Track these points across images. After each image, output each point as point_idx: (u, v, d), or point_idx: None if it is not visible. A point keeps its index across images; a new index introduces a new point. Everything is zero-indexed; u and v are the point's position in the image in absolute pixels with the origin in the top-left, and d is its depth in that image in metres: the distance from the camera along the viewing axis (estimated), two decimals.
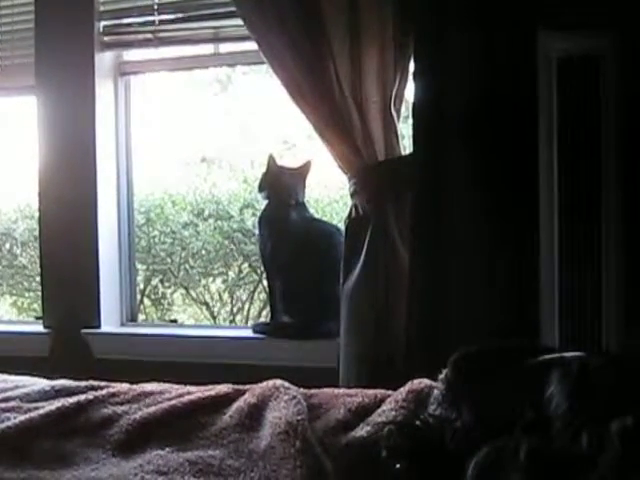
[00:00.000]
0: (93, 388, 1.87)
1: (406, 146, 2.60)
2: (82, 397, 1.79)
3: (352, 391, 1.77)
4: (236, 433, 1.62)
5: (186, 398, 1.76)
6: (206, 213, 3.28)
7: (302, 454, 1.46)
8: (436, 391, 1.40)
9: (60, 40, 3.04)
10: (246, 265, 3.29)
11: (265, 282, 3.00)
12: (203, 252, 3.27)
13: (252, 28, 2.62)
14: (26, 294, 3.63)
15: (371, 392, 1.71)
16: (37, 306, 3.43)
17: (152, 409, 1.72)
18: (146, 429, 1.66)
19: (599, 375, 1.20)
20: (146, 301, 3.41)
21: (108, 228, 3.08)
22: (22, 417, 1.71)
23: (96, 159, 3.03)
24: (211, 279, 3.38)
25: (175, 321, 3.31)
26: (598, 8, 2.17)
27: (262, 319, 3.24)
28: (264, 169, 2.85)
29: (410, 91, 2.53)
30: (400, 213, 2.52)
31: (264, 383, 1.78)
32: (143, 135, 3.22)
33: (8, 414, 1.74)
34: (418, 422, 1.36)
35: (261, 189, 2.86)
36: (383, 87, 2.52)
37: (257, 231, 2.92)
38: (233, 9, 2.71)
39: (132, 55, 3.15)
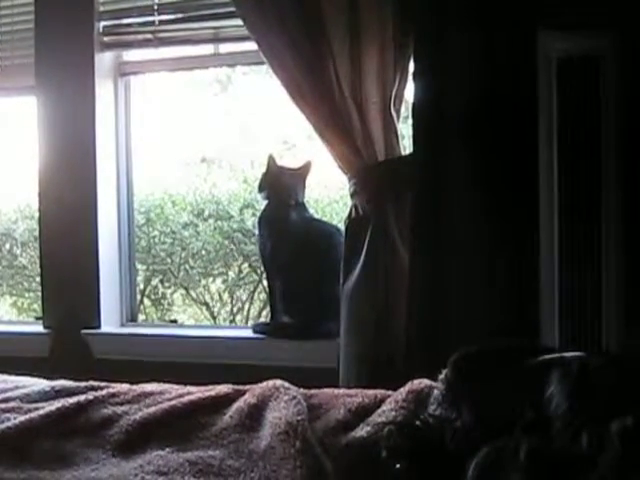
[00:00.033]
0: (93, 388, 1.87)
1: (406, 146, 2.60)
2: (82, 397, 1.79)
3: (352, 391, 1.78)
4: (236, 433, 1.62)
5: (186, 398, 1.76)
6: (206, 213, 3.28)
7: (302, 454, 1.46)
8: (436, 391, 1.40)
9: (60, 40, 3.04)
10: (246, 265, 3.29)
11: (265, 282, 3.00)
12: (203, 252, 3.27)
13: (252, 28, 2.62)
14: (26, 294, 3.63)
15: (371, 392, 1.71)
16: (37, 306, 3.43)
17: (152, 409, 1.72)
18: (146, 429, 1.66)
19: (599, 375, 1.20)
20: (146, 301, 3.41)
21: (108, 228, 3.08)
22: (22, 417, 1.71)
23: (96, 159, 3.03)
24: (211, 279, 3.38)
25: (175, 321, 3.31)
26: (598, 8, 2.17)
27: (262, 319, 3.24)
28: (264, 169, 2.85)
29: (410, 91, 2.53)
30: (400, 213, 2.52)
31: (264, 383, 1.78)
32: (143, 135, 3.22)
33: (8, 414, 1.74)
34: (418, 422, 1.36)
35: (261, 189, 2.86)
36: (383, 87, 2.52)
37: (257, 231, 2.92)
38: (233, 9, 2.71)
39: (132, 55, 3.15)
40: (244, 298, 3.35)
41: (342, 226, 2.67)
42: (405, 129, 2.65)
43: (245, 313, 3.35)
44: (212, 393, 1.78)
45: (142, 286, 3.36)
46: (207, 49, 3.08)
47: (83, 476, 1.51)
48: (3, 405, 1.80)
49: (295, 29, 2.53)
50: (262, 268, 3.03)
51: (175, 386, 1.88)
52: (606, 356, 1.49)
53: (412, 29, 2.47)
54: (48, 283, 3.12)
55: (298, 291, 2.75)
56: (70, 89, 3.05)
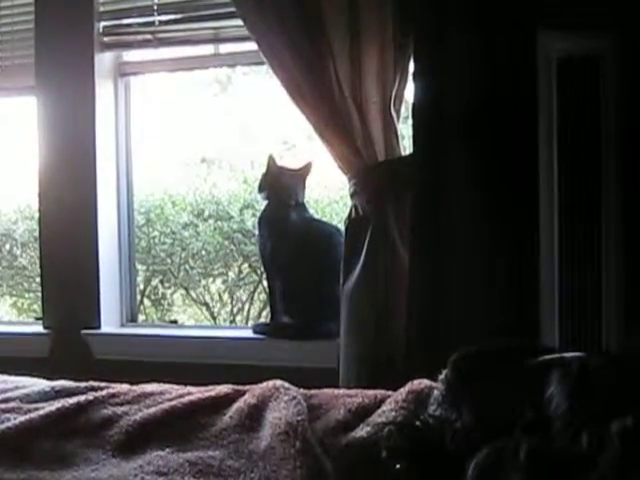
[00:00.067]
0: (93, 389, 1.87)
1: (406, 146, 2.60)
2: (82, 398, 1.79)
3: (352, 392, 1.77)
4: (236, 434, 1.62)
5: (186, 399, 1.76)
6: (206, 213, 3.28)
7: (302, 455, 1.46)
8: (436, 391, 1.40)
9: (60, 41, 3.04)
10: (246, 265, 3.29)
11: (265, 282, 3.00)
12: (203, 252, 3.27)
13: (252, 28, 2.62)
14: (26, 295, 3.63)
15: (371, 393, 1.71)
16: (37, 307, 3.43)
17: (152, 410, 1.72)
18: (146, 430, 1.66)
19: (599, 375, 1.20)
20: (146, 302, 3.41)
21: (108, 229, 3.08)
22: (22, 418, 1.71)
23: (96, 160, 3.03)
24: (211, 279, 3.38)
25: (175, 322, 3.31)
26: (598, 8, 2.17)
27: (262, 319, 3.24)
28: (264, 170, 2.85)
29: (410, 91, 2.53)
30: (400, 213, 2.52)
31: (264, 384, 1.78)
32: (143, 136, 3.22)
33: (8, 415, 1.74)
34: (418, 423, 1.36)
35: (261, 189, 2.86)
36: (383, 87, 2.52)
37: (257, 231, 2.92)
38: (233, 9, 2.71)
39: (132, 56, 3.16)
40: (244, 298, 3.35)
41: (342, 226, 2.67)
42: (405, 129, 2.65)
43: (245, 313, 3.35)
44: (212, 393, 1.78)
45: (142, 286, 3.36)
46: (207, 49, 3.08)
47: (83, 476, 1.51)
48: (3, 405, 1.80)
49: (295, 29, 2.53)
50: (262, 268, 3.03)
51: (175, 386, 1.88)
52: (606, 356, 1.49)
53: (412, 29, 2.47)
54: (48, 283, 3.12)
55: (298, 291, 2.75)
56: (70, 89, 3.05)
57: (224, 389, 1.80)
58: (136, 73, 3.18)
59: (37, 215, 3.17)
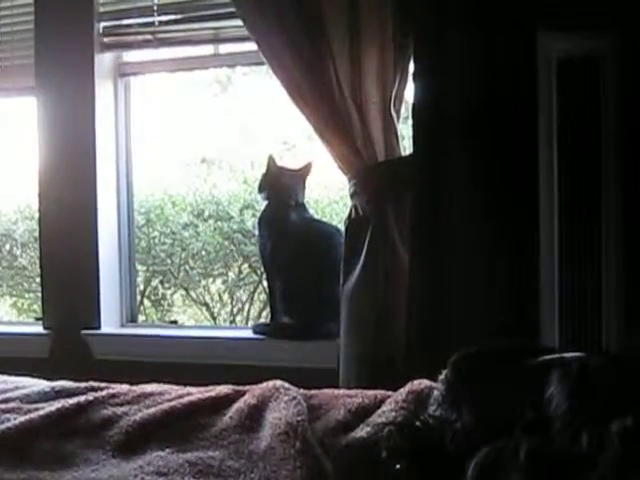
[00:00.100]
0: (93, 389, 1.87)
1: (406, 147, 2.60)
2: (82, 398, 1.78)
3: (352, 392, 1.77)
4: (236, 434, 1.62)
5: (186, 399, 1.76)
6: (206, 214, 3.28)
7: (302, 455, 1.46)
8: (436, 392, 1.40)
9: (60, 41, 3.04)
10: (246, 266, 3.29)
11: (265, 283, 3.00)
12: (203, 253, 3.27)
13: (252, 28, 2.62)
14: (26, 295, 3.63)
15: (371, 393, 1.71)
16: (37, 307, 3.43)
17: (152, 410, 1.72)
18: (146, 430, 1.66)
19: (599, 375, 1.20)
20: (146, 302, 3.41)
21: (108, 229, 3.08)
22: (22, 418, 1.71)
23: (96, 160, 3.03)
24: (211, 280, 3.38)
25: (175, 322, 3.31)
26: (598, 9, 2.17)
27: (262, 320, 3.24)
28: (264, 170, 2.85)
29: (410, 92, 2.53)
30: (400, 214, 2.52)
31: (264, 384, 1.78)
32: (143, 136, 3.22)
33: (8, 415, 1.74)
34: (418, 423, 1.36)
35: (261, 190, 2.86)
36: (383, 88, 2.52)
37: (257, 232, 2.92)
38: (233, 10, 2.71)
39: (132, 56, 3.16)
40: (244, 299, 3.35)
41: (342, 226, 2.67)
42: (405, 130, 2.65)
43: (245, 314, 3.35)
44: (212, 394, 1.78)
45: (142, 287, 3.36)
46: (207, 50, 3.08)
47: (83, 477, 1.51)
48: (3, 406, 1.80)
49: (295, 29, 2.53)
50: (262, 269, 3.03)
51: (175, 387, 1.88)
52: (606, 356, 1.50)
53: (412, 29, 2.47)
54: (48, 284, 3.12)
55: (298, 291, 2.75)
56: (70, 90, 3.05)
57: (224, 389, 1.80)
58: (136, 73, 3.18)
59: (37, 215, 3.17)
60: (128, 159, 3.16)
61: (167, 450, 1.58)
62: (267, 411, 1.65)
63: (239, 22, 2.70)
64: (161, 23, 2.99)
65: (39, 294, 3.23)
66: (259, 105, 3.27)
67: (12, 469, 1.52)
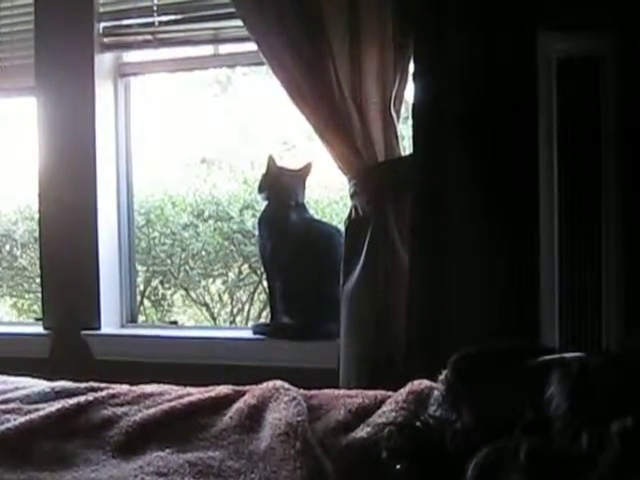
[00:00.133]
0: (93, 389, 1.87)
1: (406, 147, 2.60)
2: (82, 398, 1.79)
3: (352, 392, 1.77)
4: (236, 434, 1.62)
5: (186, 399, 1.76)
6: (206, 214, 3.28)
7: (302, 455, 1.46)
8: (436, 392, 1.40)
9: (60, 41, 3.04)
10: (246, 266, 3.29)
11: (265, 283, 3.00)
12: (203, 253, 3.27)
13: (252, 29, 2.62)
14: (26, 295, 3.63)
15: (371, 393, 1.71)
16: (37, 307, 3.43)
17: (152, 410, 1.72)
18: (146, 430, 1.66)
19: (599, 375, 1.20)
20: (146, 302, 3.41)
21: (108, 229, 3.08)
22: (22, 418, 1.71)
23: (96, 160, 3.03)
24: (211, 280, 3.38)
25: (175, 322, 3.31)
26: (598, 9, 2.17)
27: (262, 320, 3.24)
28: (264, 170, 2.85)
29: (410, 92, 2.53)
30: (400, 214, 2.52)
31: (264, 384, 1.78)
32: (143, 136, 3.22)
33: (8, 415, 1.74)
34: (418, 423, 1.36)
35: (261, 190, 2.86)
36: (383, 88, 2.52)
37: (257, 232, 2.92)
38: (233, 10, 2.71)
39: (132, 56, 3.16)
40: (244, 299, 3.35)
41: (342, 227, 2.67)
42: (405, 130, 2.64)
43: (245, 314, 3.35)
44: (212, 394, 1.78)
45: (142, 287, 3.36)
46: (207, 50, 3.08)
47: (83, 477, 1.51)
48: (3, 406, 1.80)
49: (295, 29, 2.53)
50: (262, 269, 3.03)
51: (175, 387, 1.88)
52: (606, 356, 1.49)
53: (412, 29, 2.47)
54: (48, 284, 3.12)
55: (298, 292, 2.75)
56: (70, 90, 3.05)
57: (224, 390, 1.80)
58: (136, 74, 3.18)
59: (37, 216, 3.17)
60: (128, 159, 3.16)
61: (167, 450, 1.58)
62: (267, 411, 1.65)
63: (239, 22, 2.70)
64: (161, 23, 2.99)
65: (39, 294, 3.23)
66: (259, 105, 3.27)
67: (12, 469, 1.52)
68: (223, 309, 3.40)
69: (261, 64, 2.70)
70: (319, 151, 2.67)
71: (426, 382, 1.64)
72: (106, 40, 3.05)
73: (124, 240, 3.15)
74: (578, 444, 1.08)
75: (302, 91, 2.56)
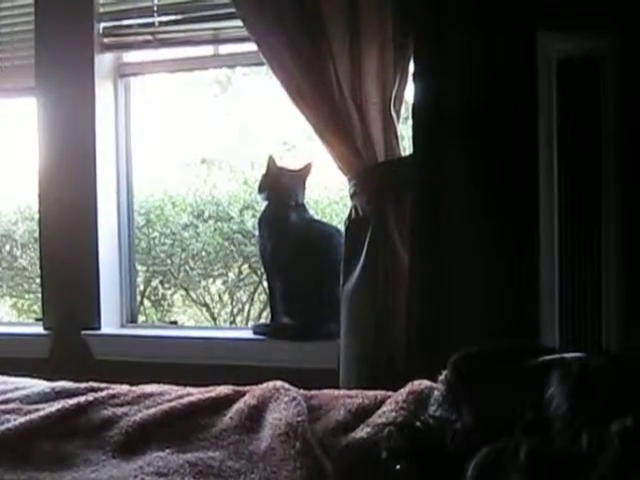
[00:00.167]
0: (93, 390, 1.87)
1: (406, 147, 2.60)
2: (82, 399, 1.78)
3: (352, 392, 1.77)
4: (236, 434, 1.62)
5: (186, 400, 1.76)
6: (206, 214, 3.28)
7: (302, 455, 1.46)
8: (436, 392, 1.40)
9: (60, 41, 3.04)
10: (246, 266, 3.29)
11: (265, 283, 3.00)
12: (203, 253, 3.27)
13: (252, 29, 2.62)
14: (26, 296, 3.63)
15: (371, 393, 1.71)
16: (37, 308, 3.43)
17: (152, 411, 1.72)
18: (146, 431, 1.66)
19: (599, 375, 1.20)
20: (146, 302, 3.41)
21: (108, 229, 3.08)
22: (22, 419, 1.71)
23: (96, 160, 3.03)
24: (211, 280, 3.38)
25: (175, 322, 3.31)
26: (598, 9, 2.17)
27: (262, 320, 3.24)
28: (264, 170, 2.85)
29: (410, 92, 2.53)
30: (400, 214, 2.52)
31: (264, 384, 1.78)
32: (143, 136, 3.22)
33: (8, 416, 1.74)
34: (418, 423, 1.36)
35: (261, 190, 2.86)
36: (383, 88, 2.52)
37: (257, 232, 2.92)
38: (233, 10, 2.71)
39: (132, 56, 3.16)
40: (244, 299, 3.35)
41: (342, 227, 2.67)
42: (405, 130, 2.64)
43: (245, 314, 3.35)
44: (212, 394, 1.78)
45: (142, 287, 3.36)
46: (207, 50, 3.08)
47: (83, 477, 1.51)
48: (3, 406, 1.80)
49: (295, 29, 2.53)
50: (262, 269, 3.03)
51: (175, 387, 1.88)
52: (606, 356, 1.49)
53: (412, 29, 2.46)
54: (48, 284, 3.12)
55: (298, 292, 2.75)
56: (70, 90, 3.05)
57: (224, 390, 1.80)
58: (136, 74, 3.18)
59: (37, 216, 3.17)
60: (128, 160, 3.16)
61: (167, 450, 1.58)
62: (267, 412, 1.65)
63: (239, 23, 2.70)
64: (161, 24, 2.99)
65: (39, 295, 3.23)
66: (259, 105, 3.27)
67: (12, 470, 1.52)
68: (223, 309, 3.40)
69: (261, 64, 2.70)
70: (319, 151, 2.67)
71: (426, 382, 1.64)
72: (106, 40, 3.05)
73: (124, 240, 3.15)
74: (578, 444, 1.08)
75: (302, 91, 2.56)
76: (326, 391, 1.78)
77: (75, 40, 3.04)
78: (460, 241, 2.43)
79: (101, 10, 3.05)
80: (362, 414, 1.62)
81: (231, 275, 3.33)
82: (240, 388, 1.81)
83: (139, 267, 3.30)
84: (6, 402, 1.83)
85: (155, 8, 2.99)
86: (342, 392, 1.80)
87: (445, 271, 2.44)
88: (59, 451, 1.62)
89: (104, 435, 1.66)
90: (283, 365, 2.54)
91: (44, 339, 3.09)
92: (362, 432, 1.55)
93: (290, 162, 2.93)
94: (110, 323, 3.08)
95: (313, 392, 1.76)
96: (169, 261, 3.31)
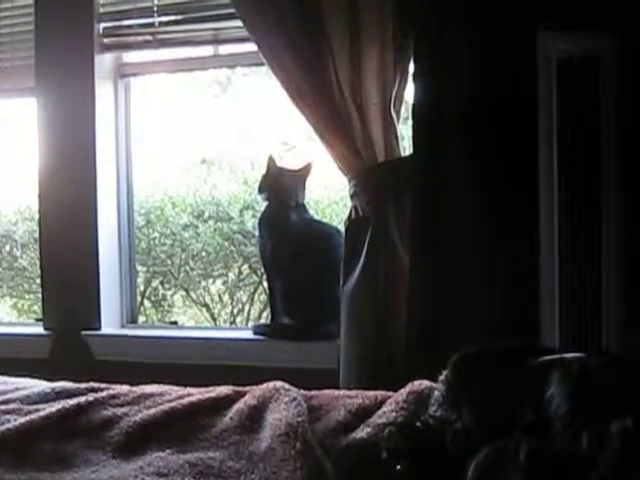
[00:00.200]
0: (93, 390, 1.87)
1: (406, 147, 2.60)
2: (82, 399, 1.78)
3: (352, 392, 1.77)
4: (236, 435, 1.62)
5: (186, 400, 1.76)
6: (206, 215, 3.28)
7: (302, 456, 1.46)
8: (436, 392, 1.40)
9: (60, 42, 3.04)
10: (246, 266, 3.29)
11: (265, 283, 3.00)
12: (203, 254, 3.27)
13: (252, 29, 2.62)
14: (26, 296, 3.63)
15: (371, 393, 1.71)
16: (37, 308, 3.43)
17: (152, 411, 1.72)
18: (146, 431, 1.66)
19: (599, 375, 1.20)
20: (146, 303, 3.41)
21: (108, 230, 3.08)
22: (22, 419, 1.71)
23: (96, 161, 3.03)
24: (211, 281, 3.38)
25: (175, 323, 3.31)
26: (598, 9, 2.17)
27: (262, 320, 3.24)
28: (264, 170, 2.84)
29: (410, 92, 2.53)
30: (400, 214, 2.52)
31: (264, 385, 1.78)
32: (143, 137, 3.22)
33: (8, 416, 1.74)
34: (418, 423, 1.36)
35: (261, 190, 2.86)
36: (383, 88, 2.52)
37: (257, 232, 2.92)
38: (233, 10, 2.71)
39: (132, 57, 3.16)
40: (244, 299, 3.35)
41: (342, 227, 2.67)
42: (405, 130, 2.64)
43: (245, 314, 3.35)
44: (212, 394, 1.78)
45: (142, 287, 3.36)
46: (207, 50, 3.08)
47: (83, 478, 1.51)
48: (3, 407, 1.80)
49: (295, 29, 2.53)
50: (262, 269, 3.03)
51: (175, 387, 1.88)
52: (606, 356, 1.49)
53: (412, 30, 2.47)
54: (48, 285, 3.12)
55: (298, 292, 2.75)
56: (70, 90, 3.05)
57: (224, 390, 1.80)
58: (136, 74, 3.18)
59: (37, 216, 3.17)
60: (128, 160, 3.16)
61: (167, 451, 1.58)
62: (267, 412, 1.65)
63: (239, 23, 2.70)
64: (161, 24, 2.99)
65: (39, 295, 3.23)
66: (259, 106, 3.27)
67: (12, 470, 1.52)
68: (223, 309, 3.40)
69: (261, 64, 2.70)
70: (319, 151, 2.67)
71: (426, 382, 1.64)
72: (106, 41, 3.05)
73: (124, 240, 3.15)
74: (578, 444, 1.08)
75: (302, 91, 2.56)
76: (326, 391, 1.78)
77: (75, 40, 3.04)
78: (460, 241, 2.43)
79: (101, 10, 3.05)
80: (362, 414, 1.62)
81: (231, 275, 3.33)
82: (240, 388, 1.81)
83: (139, 267, 3.30)
84: (6, 402, 1.84)
85: (155, 8, 2.99)
86: (342, 392, 1.80)
87: (445, 271, 2.44)
88: (59, 451, 1.62)
89: (104, 435, 1.66)
90: (283, 365, 2.54)
91: (44, 339, 3.09)
92: (362, 432, 1.55)
93: (290, 162, 2.93)
94: (110, 323, 3.08)
95: (313, 392, 1.76)
96: (169, 261, 3.31)
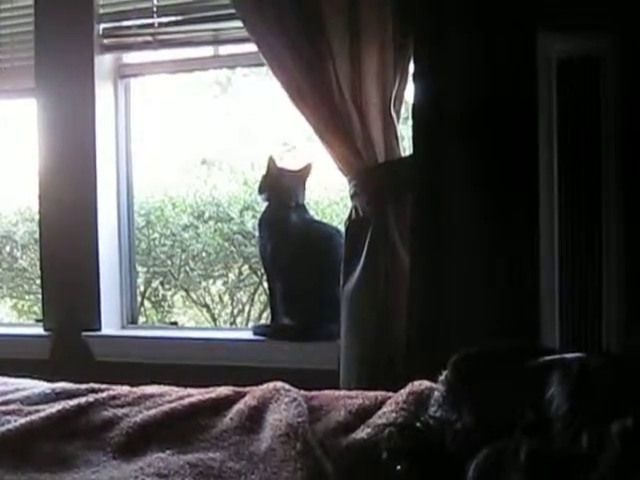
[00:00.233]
0: (93, 391, 1.87)
1: (406, 147, 2.60)
2: (82, 400, 1.79)
3: (352, 393, 1.77)
4: (236, 435, 1.62)
5: (186, 400, 1.76)
6: (206, 215, 3.28)
7: (302, 456, 1.46)
8: (436, 393, 1.40)
9: (60, 42, 3.04)
10: (246, 267, 3.29)
11: (265, 284, 3.00)
12: (203, 254, 3.27)
13: (252, 29, 2.62)
14: (26, 297, 3.63)
15: (371, 394, 1.71)
16: (37, 309, 3.43)
17: (152, 412, 1.72)
18: (146, 432, 1.66)
19: (599, 376, 1.20)
20: (146, 303, 3.41)
21: (108, 230, 3.08)
22: (23, 420, 1.71)
23: (96, 161, 3.03)
24: (211, 281, 3.38)
25: (175, 323, 3.31)
26: (598, 9, 2.17)
27: (262, 321, 3.24)
28: (264, 171, 2.84)
29: (410, 92, 2.53)
30: (400, 214, 2.52)
31: (264, 385, 1.78)
32: (143, 137, 3.22)
33: (9, 417, 1.74)
34: (419, 424, 1.36)
35: (261, 191, 2.86)
36: (383, 88, 2.52)
37: (257, 233, 2.92)
38: (233, 11, 2.71)
39: (132, 57, 3.16)
40: (244, 300, 3.35)
41: (342, 228, 2.66)
42: (405, 130, 2.64)
43: (245, 315, 3.35)
44: (212, 395, 1.78)
45: (142, 288, 3.36)
46: (207, 51, 3.07)
47: (83, 478, 1.51)
48: (3, 407, 1.80)
49: (295, 30, 2.53)
50: (262, 270, 3.03)
51: (175, 388, 1.88)
52: (606, 356, 1.49)
53: (412, 30, 2.46)
54: (48, 285, 3.12)
55: (298, 293, 2.75)
56: (70, 91, 3.05)
57: (224, 391, 1.80)
58: (136, 75, 3.18)
59: (37, 217, 3.17)
60: (128, 160, 3.16)
61: (167, 451, 1.58)
62: (267, 412, 1.65)
63: (239, 23, 2.70)
64: (161, 24, 2.99)
65: (39, 296, 3.23)
66: (259, 106, 3.27)
67: (13, 471, 1.52)
68: (223, 310, 3.40)
69: (261, 65, 2.70)
70: (319, 152, 2.67)
71: (426, 383, 1.64)
72: (106, 41, 3.05)
73: (124, 241, 3.15)
74: (578, 444, 1.08)
75: (302, 92, 2.56)
76: (326, 392, 1.78)
77: (75, 41, 3.04)
78: (460, 241, 2.43)
79: (101, 11, 3.05)
80: (362, 415, 1.62)
81: (231, 276, 3.33)
82: (240, 389, 1.81)
83: (139, 268, 3.30)
84: (6, 403, 1.84)
85: (155, 9, 2.99)
86: (342, 393, 1.80)
87: (445, 271, 2.44)
88: (59, 452, 1.62)
89: (104, 436, 1.66)
90: (283, 366, 2.54)
91: (44, 340, 3.09)
92: (362, 433, 1.55)
93: (290, 163, 2.93)
94: (110, 324, 3.08)
95: (313, 393, 1.76)
96: (169, 262, 3.31)
